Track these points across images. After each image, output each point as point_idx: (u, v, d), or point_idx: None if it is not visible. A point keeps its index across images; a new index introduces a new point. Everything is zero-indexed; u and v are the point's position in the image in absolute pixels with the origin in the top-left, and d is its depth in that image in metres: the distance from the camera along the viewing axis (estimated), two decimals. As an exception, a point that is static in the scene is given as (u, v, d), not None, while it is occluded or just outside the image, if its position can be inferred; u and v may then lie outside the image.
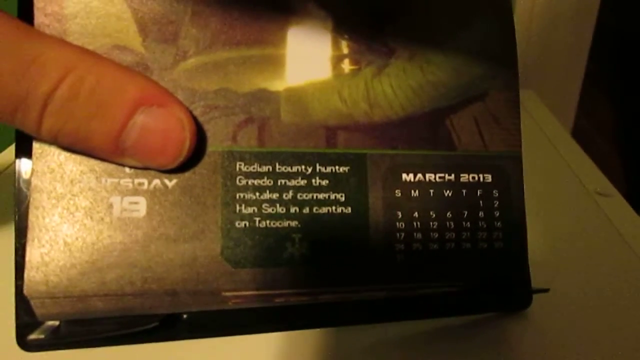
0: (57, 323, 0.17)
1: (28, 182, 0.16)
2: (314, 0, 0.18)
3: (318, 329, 0.20)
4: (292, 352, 0.20)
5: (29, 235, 0.15)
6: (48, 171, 0.16)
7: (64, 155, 0.16)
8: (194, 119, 0.16)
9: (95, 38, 0.16)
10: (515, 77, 0.19)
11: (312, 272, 0.17)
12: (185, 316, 0.18)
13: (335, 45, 0.18)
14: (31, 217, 0.16)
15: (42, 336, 0.16)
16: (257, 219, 0.17)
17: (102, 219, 0.16)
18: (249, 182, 0.17)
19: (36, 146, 0.16)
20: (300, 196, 0.17)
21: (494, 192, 0.19)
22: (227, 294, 0.17)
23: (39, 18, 0.16)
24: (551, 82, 0.46)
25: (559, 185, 0.30)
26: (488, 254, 0.19)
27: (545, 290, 0.20)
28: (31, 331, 0.17)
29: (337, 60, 0.18)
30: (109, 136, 0.15)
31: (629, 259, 0.25)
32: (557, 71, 0.47)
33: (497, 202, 0.19)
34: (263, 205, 0.17)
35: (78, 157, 0.16)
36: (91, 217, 0.16)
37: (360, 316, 0.20)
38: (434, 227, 0.18)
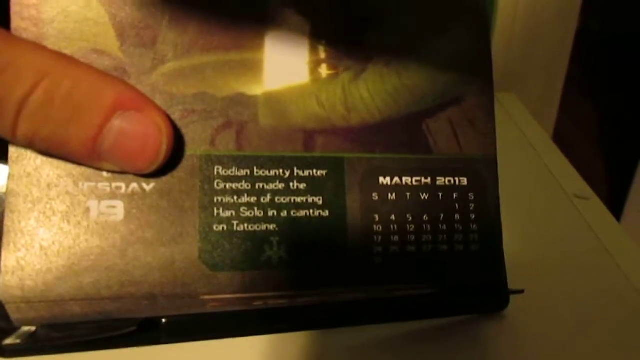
0: (33, 328, 0.17)
1: (4, 187, 0.16)
2: (292, 7, 0.18)
3: (297, 333, 0.21)
4: (272, 356, 0.20)
5: (5, 239, 0.15)
6: (24, 175, 0.16)
7: (40, 159, 0.16)
8: (172, 123, 0.16)
9: (72, 42, 0.16)
10: (490, 83, 0.20)
11: (290, 274, 0.17)
12: (164, 320, 0.18)
13: (313, 50, 0.18)
14: (7, 222, 0.15)
15: (18, 341, 0.16)
16: (235, 222, 0.17)
17: (79, 222, 0.16)
18: (227, 186, 0.17)
19: (12, 150, 0.16)
20: (278, 200, 0.17)
21: (469, 195, 0.19)
22: (206, 297, 0.17)
23: (15, 22, 0.16)
24: (533, 85, 0.47)
25: (538, 188, 0.30)
26: (464, 256, 0.19)
27: (521, 292, 0.20)
28: (6, 336, 0.17)
29: (315, 65, 0.18)
30: (85, 141, 0.15)
31: (606, 263, 0.26)
32: (539, 74, 0.47)
33: (473, 205, 0.19)
34: (241, 209, 0.17)
35: (55, 161, 0.16)
36: (68, 221, 0.16)
37: (339, 319, 0.20)
38: (411, 230, 0.18)
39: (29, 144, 0.15)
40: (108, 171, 0.16)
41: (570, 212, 0.28)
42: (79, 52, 0.16)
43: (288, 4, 0.18)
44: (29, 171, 0.16)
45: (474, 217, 0.19)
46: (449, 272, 0.19)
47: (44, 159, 0.16)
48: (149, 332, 0.18)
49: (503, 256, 0.20)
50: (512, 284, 0.21)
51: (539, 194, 0.30)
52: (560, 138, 0.39)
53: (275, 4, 0.18)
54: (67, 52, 0.16)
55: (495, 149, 0.20)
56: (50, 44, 0.16)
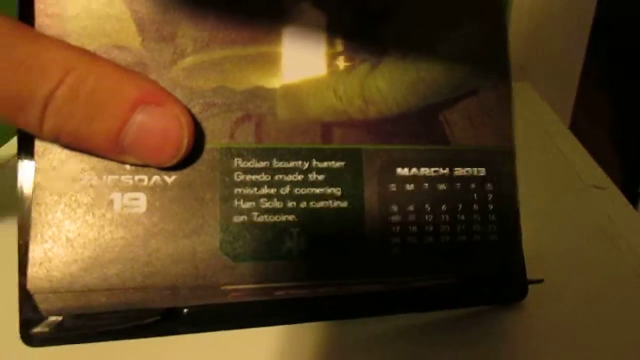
0: (60, 318, 0.17)
1: (30, 180, 0.16)
2: (308, 0, 0.18)
3: (317, 323, 0.21)
4: (291, 346, 0.20)
5: (32, 232, 0.16)
6: (50, 169, 0.16)
7: (65, 153, 0.16)
8: (192, 116, 0.17)
9: (95, 38, 0.16)
10: (506, 75, 0.20)
11: (310, 265, 0.17)
12: (185, 310, 0.18)
13: (330, 43, 0.18)
14: (34, 214, 0.16)
15: (46, 330, 0.17)
16: (255, 213, 0.17)
17: (104, 215, 0.16)
18: (247, 178, 0.17)
19: (38, 144, 0.16)
20: (297, 191, 0.18)
21: (487, 185, 0.19)
22: (227, 287, 0.17)
23: (39, 19, 0.16)
24: (549, 76, 0.46)
25: (556, 177, 0.30)
26: (483, 246, 0.19)
27: (540, 281, 0.20)
28: (34, 326, 0.17)
29: (332, 57, 0.18)
30: (108, 135, 0.15)
31: (624, 252, 0.25)
32: (555, 65, 0.47)
33: (491, 196, 0.19)
34: (261, 200, 0.17)
35: (79, 155, 0.16)
36: (93, 214, 0.16)
37: (358, 309, 0.20)
38: (429, 220, 0.18)
39: (55, 139, 0.15)
40: (131, 164, 0.16)
41: (588, 202, 0.28)
42: (101, 48, 0.16)
43: (302, 5, 0.18)
44: (55, 165, 0.16)
45: (492, 207, 0.19)
46: (467, 263, 0.19)
47: (69, 152, 0.16)
48: (171, 321, 0.18)
49: (521, 246, 0.20)
50: (530, 274, 0.21)
51: (556, 184, 0.29)
52: (576, 128, 0.38)
53: (288, 9, 0.18)
54: (89, 48, 0.16)
55: (513, 140, 0.20)
56: (73, 40, 0.16)
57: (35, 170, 0.16)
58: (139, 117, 0.15)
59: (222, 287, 0.17)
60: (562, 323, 0.22)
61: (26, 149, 0.16)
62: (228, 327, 0.19)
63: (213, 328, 0.19)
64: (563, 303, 0.23)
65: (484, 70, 0.20)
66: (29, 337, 0.17)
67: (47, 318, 0.17)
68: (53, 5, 0.16)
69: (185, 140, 0.16)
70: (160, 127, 0.16)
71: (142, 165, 0.17)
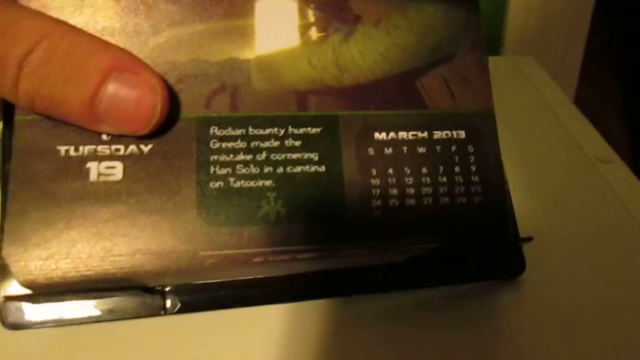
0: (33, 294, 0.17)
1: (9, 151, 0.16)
2: None
3: (306, 302, 0.20)
4: (281, 325, 0.20)
5: (9, 203, 0.16)
6: (29, 139, 0.16)
7: (43, 125, 0.16)
8: (167, 86, 0.17)
9: (73, 13, 0.17)
10: (481, 38, 0.20)
11: (288, 229, 0.17)
12: (168, 289, 0.18)
13: (302, 14, 0.19)
14: (11, 185, 0.16)
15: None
16: (232, 179, 0.17)
17: (81, 184, 0.16)
18: (223, 145, 0.17)
19: (18, 117, 0.16)
20: (274, 157, 0.18)
21: (468, 147, 0.19)
22: (204, 253, 0.17)
23: None
24: (553, 50, 0.46)
25: (559, 151, 0.29)
26: (467, 207, 0.18)
27: (529, 239, 0.20)
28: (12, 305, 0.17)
29: (305, 28, 0.19)
30: (82, 101, 0.15)
31: (629, 226, 0.24)
32: (559, 38, 0.46)
33: (473, 157, 0.19)
34: (237, 167, 0.17)
35: (57, 128, 0.17)
36: (69, 183, 0.16)
37: (350, 287, 0.20)
38: (410, 183, 0.18)
39: (31, 104, 0.15)
40: (107, 134, 0.17)
41: (593, 176, 0.27)
42: (79, 24, 0.17)
43: None
44: (33, 136, 0.16)
45: (474, 169, 0.19)
46: (452, 224, 0.18)
47: (48, 124, 0.17)
48: (154, 299, 0.18)
49: (507, 207, 0.19)
50: (534, 250, 0.21)
51: (560, 158, 0.29)
52: (581, 103, 0.37)
53: None
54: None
55: (492, 102, 0.20)
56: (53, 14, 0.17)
57: (13, 140, 0.16)
58: (113, 84, 0.16)
59: (200, 253, 0.17)
60: (564, 301, 0.21)
61: (9, 122, 0.17)
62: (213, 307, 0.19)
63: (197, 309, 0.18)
64: (566, 279, 0.22)
65: (457, 35, 0.20)
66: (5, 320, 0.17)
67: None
68: None
69: (159, 107, 0.16)
70: (134, 94, 0.16)
71: (118, 135, 0.17)
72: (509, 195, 0.20)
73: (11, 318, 0.18)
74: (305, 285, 0.20)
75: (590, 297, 0.21)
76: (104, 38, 0.17)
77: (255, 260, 0.17)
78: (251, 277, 0.19)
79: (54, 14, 0.17)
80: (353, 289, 0.20)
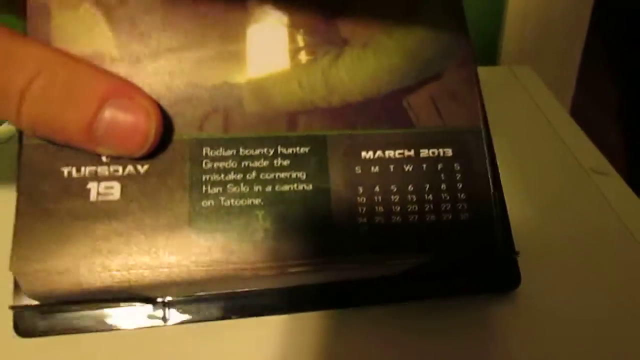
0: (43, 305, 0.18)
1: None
2: (271, 1, 0.19)
3: (297, 315, 0.21)
4: (272, 338, 0.20)
5: (18, 219, 0.17)
6: (35, 161, 0.18)
7: (49, 147, 0.18)
8: (162, 110, 0.18)
9: (75, 43, 0.18)
10: (470, 55, 0.20)
11: (276, 245, 0.18)
12: (165, 300, 0.19)
13: (292, 38, 0.20)
14: (18, 204, 0.17)
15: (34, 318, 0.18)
16: (222, 198, 0.18)
17: (82, 203, 0.18)
18: (215, 165, 0.18)
19: (26, 139, 0.18)
20: (263, 176, 0.18)
21: (455, 165, 0.19)
22: (196, 268, 0.18)
23: (28, 26, 0.18)
24: (550, 58, 0.45)
25: (555, 162, 0.29)
26: (453, 224, 0.19)
27: (515, 254, 0.20)
28: (24, 314, 0.18)
29: (295, 52, 0.19)
30: (82, 126, 0.17)
31: (624, 238, 0.24)
32: (556, 46, 0.45)
33: (460, 175, 0.19)
34: (228, 186, 0.18)
35: (61, 150, 0.18)
36: (71, 202, 0.17)
37: (341, 299, 0.20)
38: (396, 200, 0.19)
39: (33, 129, 0.17)
40: (106, 155, 0.18)
41: (588, 188, 0.27)
42: (82, 53, 0.18)
43: (266, 0, 0.19)
44: (39, 158, 0.18)
45: (461, 186, 0.19)
46: (438, 241, 0.19)
47: (53, 147, 0.18)
48: (155, 310, 0.19)
49: (494, 224, 0.19)
50: (529, 259, 0.21)
51: (556, 169, 0.28)
52: (578, 111, 0.37)
53: (253, 1, 0.19)
54: (71, 52, 0.18)
55: (480, 119, 0.20)
56: (57, 45, 0.18)
57: (21, 161, 0.18)
58: (110, 109, 0.17)
59: (192, 269, 0.18)
60: (559, 312, 0.21)
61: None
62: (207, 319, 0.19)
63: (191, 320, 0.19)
64: (561, 291, 0.22)
65: (446, 52, 0.20)
66: (18, 326, 0.19)
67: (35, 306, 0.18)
68: (41, 16, 0.18)
69: (152, 131, 0.17)
70: (130, 118, 0.17)
71: (116, 157, 0.18)
72: (504, 209, 0.20)
73: (23, 326, 0.19)
74: (301, 297, 0.20)
75: (586, 309, 0.21)
76: (106, 65, 0.18)
77: (246, 273, 0.18)
78: (248, 290, 0.20)
79: (60, 45, 0.18)
80: (347, 302, 0.21)
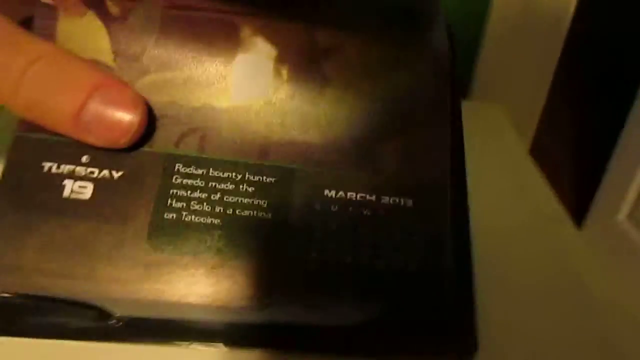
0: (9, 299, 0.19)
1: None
2: (261, 36, 0.21)
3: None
4: None
5: None
6: (19, 152, 0.19)
7: (34, 141, 0.19)
8: (147, 105, 0.19)
9: (76, 48, 0.20)
10: (446, 115, 0.21)
11: (226, 267, 0.19)
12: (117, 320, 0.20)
13: (277, 72, 0.21)
14: None
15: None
16: (185, 213, 0.19)
17: (55, 198, 0.19)
18: (183, 182, 0.19)
19: (17, 134, 0.19)
20: (227, 198, 0.19)
21: (414, 217, 0.20)
22: (146, 285, 0.19)
23: (35, 26, 0.20)
24: (515, 95, 0.46)
25: (515, 208, 0.30)
26: (401, 275, 0.19)
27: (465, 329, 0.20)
28: None
29: (277, 85, 0.20)
30: (70, 111, 0.18)
31: (577, 285, 0.25)
32: (522, 84, 0.46)
33: (418, 227, 0.20)
34: (192, 202, 0.19)
35: (46, 145, 0.19)
36: (46, 196, 0.19)
37: (283, 342, 0.20)
38: (349, 242, 0.19)
39: (27, 109, 0.18)
40: (91, 144, 0.19)
41: (544, 233, 0.27)
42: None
43: (258, 33, 0.21)
44: (23, 149, 0.19)
45: (416, 239, 0.19)
46: (384, 290, 0.19)
47: (37, 141, 0.19)
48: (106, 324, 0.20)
49: (443, 280, 0.19)
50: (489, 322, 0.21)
51: (515, 215, 0.29)
52: (539, 144, 0.37)
53: (245, 32, 0.20)
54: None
55: (447, 178, 0.20)
56: None
57: (9, 152, 0.19)
58: (98, 98, 0.18)
59: (141, 285, 0.19)
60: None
61: None
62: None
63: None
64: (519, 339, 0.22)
65: (423, 109, 0.21)
66: None
67: None
68: (47, 30, 0.20)
69: (137, 123, 0.19)
70: (116, 108, 0.18)
71: (100, 147, 0.19)
72: (469, 272, 0.20)
73: None
74: (242, 333, 0.20)
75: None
76: None
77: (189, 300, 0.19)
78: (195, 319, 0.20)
79: (63, 46, 0.20)
80: (287, 345, 0.20)
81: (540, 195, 0.31)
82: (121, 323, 0.19)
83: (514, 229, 0.28)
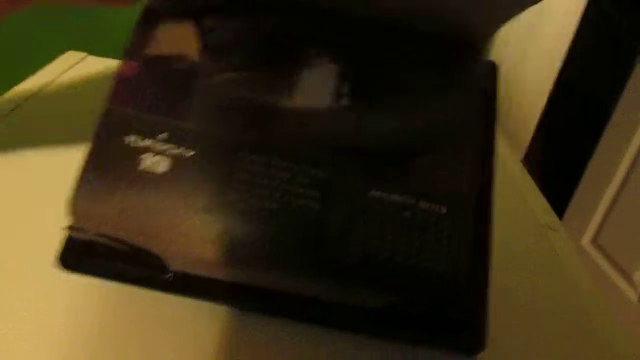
0: (90, 239, 0.22)
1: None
2: (326, 55, 0.24)
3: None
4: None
5: (81, 169, 0.21)
6: (106, 128, 0.22)
7: (120, 121, 0.22)
8: (216, 113, 0.22)
9: (172, 45, 0.23)
10: (480, 135, 0.24)
11: (277, 248, 0.21)
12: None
13: (337, 87, 0.23)
14: (85, 158, 0.21)
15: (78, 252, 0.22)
16: (247, 195, 0.21)
17: (134, 168, 0.21)
18: (247, 167, 0.22)
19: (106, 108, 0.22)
20: (284, 186, 0.22)
21: (445, 222, 0.22)
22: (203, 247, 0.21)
23: (137, 25, 0.23)
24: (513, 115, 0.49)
25: (513, 217, 0.33)
26: (429, 272, 0.21)
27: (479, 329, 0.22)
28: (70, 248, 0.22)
29: (338, 96, 0.23)
30: None
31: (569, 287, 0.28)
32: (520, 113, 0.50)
33: (447, 232, 0.22)
34: (252, 187, 0.21)
35: (129, 121, 0.22)
36: (126, 166, 0.21)
37: (319, 317, 0.23)
38: (388, 238, 0.22)
39: None
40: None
41: (542, 242, 0.31)
42: (171, 53, 0.22)
43: (324, 54, 0.24)
44: (109, 127, 0.22)
45: (445, 242, 0.22)
46: (414, 281, 0.21)
47: (124, 118, 0.22)
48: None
49: (464, 282, 0.22)
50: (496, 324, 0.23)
51: (513, 224, 0.32)
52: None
53: (313, 52, 0.24)
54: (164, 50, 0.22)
55: (476, 191, 0.23)
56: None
57: (98, 122, 0.21)
58: None
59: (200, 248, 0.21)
60: None
61: None
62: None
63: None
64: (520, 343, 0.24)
65: (459, 131, 0.24)
66: (63, 258, 0.22)
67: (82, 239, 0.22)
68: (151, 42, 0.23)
69: None
70: None
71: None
72: (486, 276, 0.23)
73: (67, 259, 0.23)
74: (287, 304, 0.23)
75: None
76: (184, 65, 0.22)
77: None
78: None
79: (160, 43, 0.23)
80: (322, 321, 0.23)
81: (539, 205, 0.34)
82: (172, 276, 0.23)
83: (517, 238, 0.31)
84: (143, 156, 0.21)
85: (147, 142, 0.22)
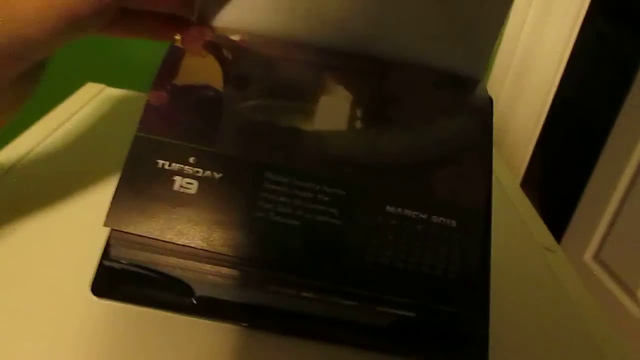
0: (123, 267, 0.23)
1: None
2: (342, 84, 0.26)
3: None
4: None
5: (116, 189, 0.23)
6: (137, 152, 0.23)
7: (151, 145, 0.23)
8: (240, 138, 0.24)
9: (197, 76, 0.24)
10: (485, 157, 0.25)
11: (300, 262, 0.23)
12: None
13: (353, 111, 0.25)
14: (120, 179, 0.23)
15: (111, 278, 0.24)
16: (272, 213, 0.23)
17: (166, 189, 0.23)
18: (271, 187, 0.23)
19: (136, 135, 0.23)
20: (306, 205, 0.23)
21: (456, 235, 0.24)
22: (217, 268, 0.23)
23: (165, 59, 0.25)
24: (508, 138, 0.51)
25: (511, 238, 0.34)
26: (441, 280, 0.23)
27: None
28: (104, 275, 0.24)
29: (352, 120, 0.25)
30: None
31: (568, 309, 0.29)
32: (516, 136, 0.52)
33: (457, 244, 0.24)
34: (277, 205, 0.23)
35: (159, 148, 0.23)
36: (159, 187, 0.23)
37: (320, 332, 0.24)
38: (402, 249, 0.23)
39: None
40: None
41: (540, 263, 0.32)
42: (196, 84, 0.24)
43: (340, 82, 0.26)
44: (141, 149, 0.23)
45: (456, 252, 0.23)
46: (427, 290, 0.23)
47: (155, 144, 0.23)
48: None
49: (475, 290, 0.23)
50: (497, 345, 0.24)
51: (512, 244, 0.33)
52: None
53: (330, 80, 0.26)
54: (192, 81, 0.24)
55: (486, 205, 0.25)
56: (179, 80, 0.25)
57: (130, 148, 0.23)
58: None
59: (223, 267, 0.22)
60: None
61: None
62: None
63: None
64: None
65: (468, 150, 0.25)
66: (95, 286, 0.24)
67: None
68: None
69: None
70: None
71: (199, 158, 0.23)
72: (487, 287, 0.24)
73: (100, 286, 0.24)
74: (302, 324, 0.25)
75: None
76: (209, 96, 0.24)
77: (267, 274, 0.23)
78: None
79: (184, 75, 0.24)
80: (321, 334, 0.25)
81: (536, 226, 0.36)
82: (197, 301, 0.24)
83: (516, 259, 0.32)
84: (175, 178, 0.23)
85: (178, 166, 0.23)
